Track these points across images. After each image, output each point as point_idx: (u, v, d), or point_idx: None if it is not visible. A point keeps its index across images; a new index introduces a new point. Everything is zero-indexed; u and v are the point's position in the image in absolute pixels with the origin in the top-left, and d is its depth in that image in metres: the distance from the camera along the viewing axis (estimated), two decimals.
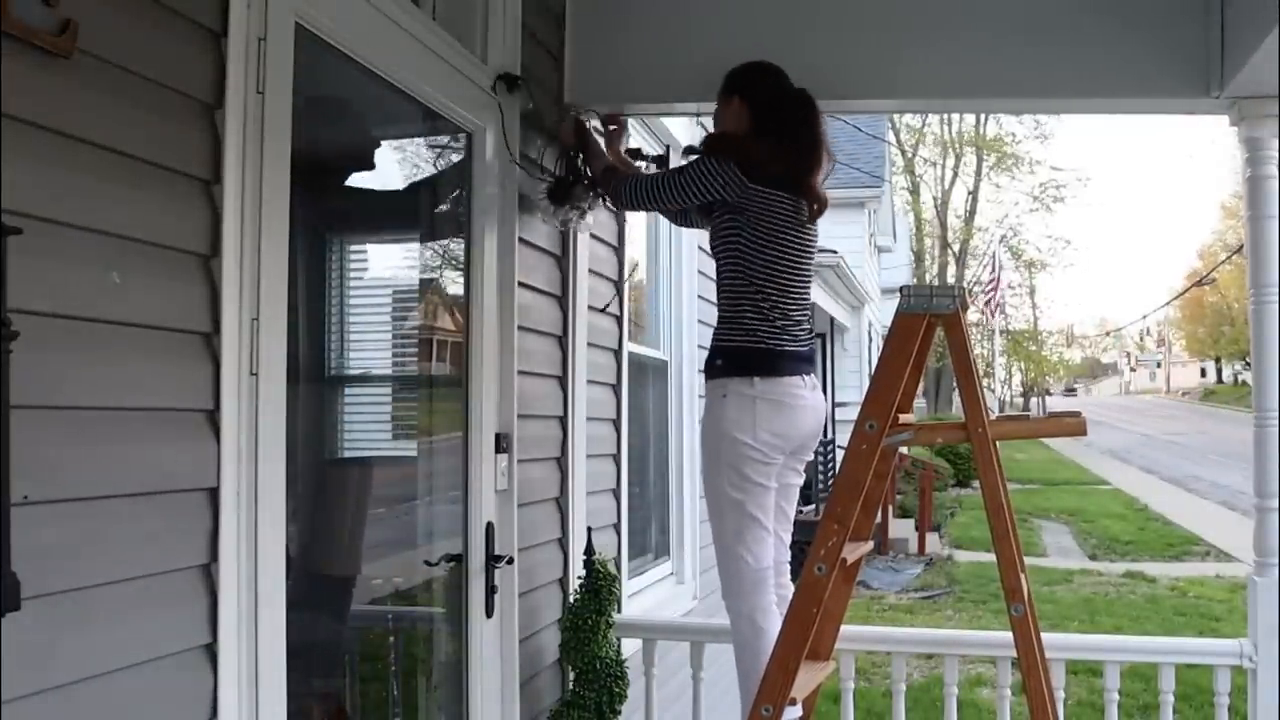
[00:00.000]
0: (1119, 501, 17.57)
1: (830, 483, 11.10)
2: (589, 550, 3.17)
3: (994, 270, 28.36)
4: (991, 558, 2.63)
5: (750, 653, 2.68)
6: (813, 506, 10.89)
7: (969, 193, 34.80)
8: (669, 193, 2.80)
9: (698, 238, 4.52)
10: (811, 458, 2.91)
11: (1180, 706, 4.64)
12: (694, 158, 2.79)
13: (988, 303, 27.95)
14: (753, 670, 2.63)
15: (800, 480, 2.86)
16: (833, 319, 13.75)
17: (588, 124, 3.08)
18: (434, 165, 2.98)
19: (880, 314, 18.05)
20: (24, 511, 1.30)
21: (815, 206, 2.73)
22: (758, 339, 2.68)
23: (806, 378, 2.72)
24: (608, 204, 3.08)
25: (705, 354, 2.80)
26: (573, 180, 2.98)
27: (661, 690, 3.40)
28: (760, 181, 2.64)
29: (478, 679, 2.71)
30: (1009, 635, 2.48)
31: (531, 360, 3.02)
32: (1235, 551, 11.68)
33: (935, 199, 34.99)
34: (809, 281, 2.79)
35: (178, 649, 1.64)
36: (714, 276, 2.83)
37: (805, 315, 2.78)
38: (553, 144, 3.05)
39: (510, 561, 2.75)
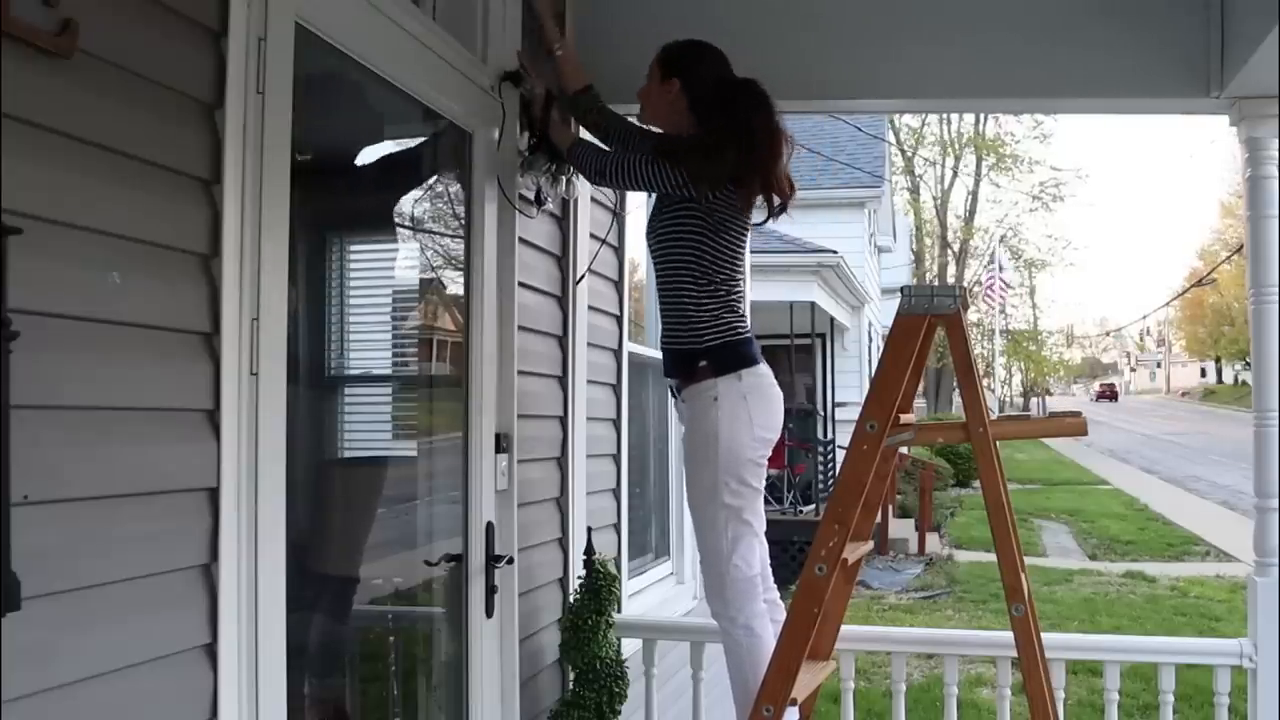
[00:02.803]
0: (1119, 501, 17.55)
1: (830, 483, 11.12)
2: (589, 550, 3.17)
3: (994, 271, 28.48)
4: (991, 557, 2.63)
5: (747, 660, 2.63)
6: (813, 506, 10.88)
7: (969, 193, 34.86)
8: (621, 177, 2.73)
9: None
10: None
11: (1180, 706, 4.63)
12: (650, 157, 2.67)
13: (988, 295, 28.13)
14: (750, 678, 2.58)
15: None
16: (833, 319, 13.74)
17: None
18: (434, 165, 2.98)
19: (880, 314, 18.03)
20: (24, 511, 1.30)
21: (779, 201, 2.67)
22: (734, 331, 2.64)
23: (765, 363, 2.70)
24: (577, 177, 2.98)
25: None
26: (534, 146, 2.90)
27: (661, 690, 3.40)
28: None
29: (478, 679, 2.71)
30: (1009, 635, 2.48)
31: (531, 360, 3.02)
32: (1235, 551, 11.67)
33: (935, 199, 35.02)
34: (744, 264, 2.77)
35: (178, 649, 1.64)
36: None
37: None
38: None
39: (510, 561, 2.75)
